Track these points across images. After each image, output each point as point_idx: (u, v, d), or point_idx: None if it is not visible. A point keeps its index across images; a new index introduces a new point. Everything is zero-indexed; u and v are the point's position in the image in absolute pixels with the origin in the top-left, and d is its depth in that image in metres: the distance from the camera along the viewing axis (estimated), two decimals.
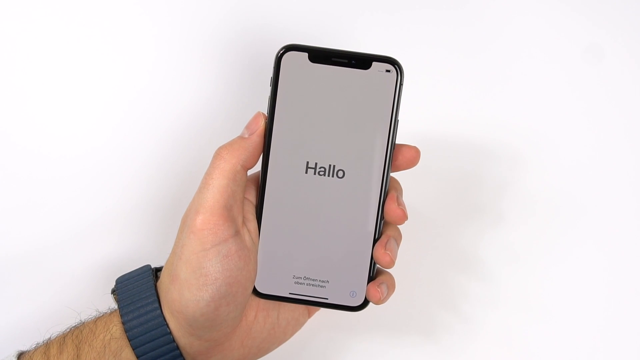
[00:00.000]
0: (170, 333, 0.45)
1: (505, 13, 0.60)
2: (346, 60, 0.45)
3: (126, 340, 0.45)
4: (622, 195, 0.60)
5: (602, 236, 0.59)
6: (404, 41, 0.59)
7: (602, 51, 0.60)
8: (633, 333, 0.59)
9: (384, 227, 0.47)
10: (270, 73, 0.46)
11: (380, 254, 0.46)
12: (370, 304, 0.48)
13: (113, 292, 0.48)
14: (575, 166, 0.59)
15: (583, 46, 0.60)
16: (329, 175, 0.46)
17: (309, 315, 0.51)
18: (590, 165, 0.59)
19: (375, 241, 0.47)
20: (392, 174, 0.47)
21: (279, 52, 0.45)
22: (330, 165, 0.46)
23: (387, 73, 0.45)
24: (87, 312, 0.48)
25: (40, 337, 0.48)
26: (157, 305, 0.46)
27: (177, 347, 0.45)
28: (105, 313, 0.48)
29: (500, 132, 0.59)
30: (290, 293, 0.47)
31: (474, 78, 0.60)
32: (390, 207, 0.46)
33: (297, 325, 0.51)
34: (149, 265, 0.49)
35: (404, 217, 0.46)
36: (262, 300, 0.49)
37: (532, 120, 0.59)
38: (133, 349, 0.45)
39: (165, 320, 0.45)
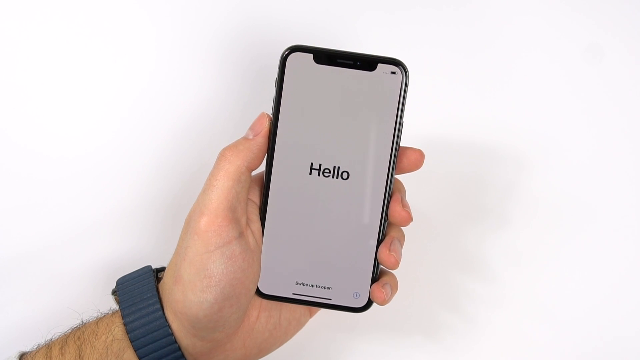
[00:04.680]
0: (172, 334, 0.45)
1: (506, 13, 0.60)
2: (351, 62, 0.45)
3: (128, 342, 0.45)
4: (624, 195, 0.60)
5: (606, 237, 0.59)
6: (405, 41, 0.59)
7: (602, 51, 0.60)
8: (636, 335, 0.59)
9: (388, 228, 0.47)
10: (272, 73, 0.46)
11: (385, 255, 0.46)
12: (373, 304, 0.48)
13: (114, 292, 0.48)
14: (576, 166, 0.59)
15: (583, 46, 0.60)
16: (333, 177, 0.46)
17: (310, 315, 0.51)
18: (592, 165, 0.60)
19: (379, 242, 0.47)
20: (395, 176, 0.47)
21: (284, 53, 0.45)
22: (334, 167, 0.46)
23: (393, 75, 0.45)
24: (89, 313, 0.48)
25: (41, 338, 0.48)
26: (158, 306, 0.45)
27: (180, 348, 0.45)
28: (107, 314, 0.47)
29: (501, 132, 0.59)
30: (293, 294, 0.47)
31: (474, 78, 0.60)
32: (395, 209, 0.46)
33: (299, 325, 0.51)
34: (149, 266, 0.49)
35: (408, 219, 0.46)
36: (265, 301, 0.49)
37: (532, 121, 0.60)
38: (135, 350, 0.45)
39: (167, 322, 0.45)
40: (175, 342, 0.45)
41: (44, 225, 0.56)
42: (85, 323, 0.47)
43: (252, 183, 0.47)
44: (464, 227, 0.59)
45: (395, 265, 0.46)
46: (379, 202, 0.46)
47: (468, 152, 0.59)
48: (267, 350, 0.49)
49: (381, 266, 0.47)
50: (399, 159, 0.46)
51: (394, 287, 0.48)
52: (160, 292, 0.46)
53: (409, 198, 0.48)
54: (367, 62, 0.45)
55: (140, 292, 0.46)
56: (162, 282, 0.47)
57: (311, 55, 0.45)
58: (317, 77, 0.45)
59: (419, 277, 0.58)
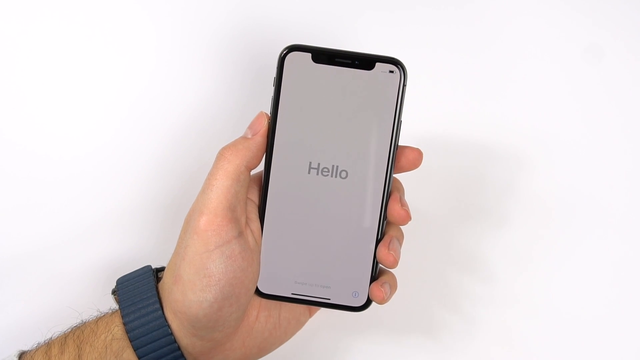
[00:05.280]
0: (172, 334, 0.45)
1: (506, 13, 0.60)
2: (349, 61, 0.45)
3: (127, 341, 0.45)
4: (623, 195, 0.60)
5: (605, 236, 0.59)
6: (405, 41, 0.59)
7: (602, 51, 0.60)
8: (637, 335, 0.59)
9: (386, 227, 0.47)
10: (271, 73, 0.46)
11: (384, 254, 0.46)
12: (372, 303, 0.48)
13: (114, 292, 0.48)
14: (576, 166, 0.59)
15: (583, 46, 0.60)
16: (332, 176, 0.46)
17: (310, 314, 0.51)
18: (591, 165, 0.60)
19: (378, 241, 0.47)
20: (394, 175, 0.47)
21: (282, 52, 0.45)
22: (333, 166, 0.46)
23: (391, 74, 0.45)
24: (88, 312, 0.48)
25: (41, 337, 0.48)
26: (158, 306, 0.45)
27: (179, 348, 0.45)
28: (107, 313, 0.47)
29: (501, 132, 0.59)
30: (292, 293, 0.47)
31: (474, 78, 0.60)
32: (394, 208, 0.46)
33: (298, 324, 0.51)
34: (149, 266, 0.49)
35: (407, 218, 0.46)
36: (264, 300, 0.49)
37: (532, 121, 0.60)
38: (134, 350, 0.45)
39: (167, 321, 0.45)
40: (175, 341, 0.45)
41: (44, 225, 0.56)
42: (85, 322, 0.47)
43: (251, 182, 0.47)
44: (464, 226, 0.59)
45: (394, 264, 0.46)
46: (377, 201, 0.46)
47: (467, 151, 0.59)
48: (266, 350, 0.49)
49: (380, 265, 0.47)
50: (398, 158, 0.46)
51: (393, 286, 0.47)
52: (160, 291, 0.46)
53: (408, 197, 0.48)
54: (365, 61, 0.45)
55: (140, 291, 0.46)
56: (161, 281, 0.47)
57: (309, 55, 0.45)
58: (316, 76, 0.45)
59: (418, 276, 0.58)
